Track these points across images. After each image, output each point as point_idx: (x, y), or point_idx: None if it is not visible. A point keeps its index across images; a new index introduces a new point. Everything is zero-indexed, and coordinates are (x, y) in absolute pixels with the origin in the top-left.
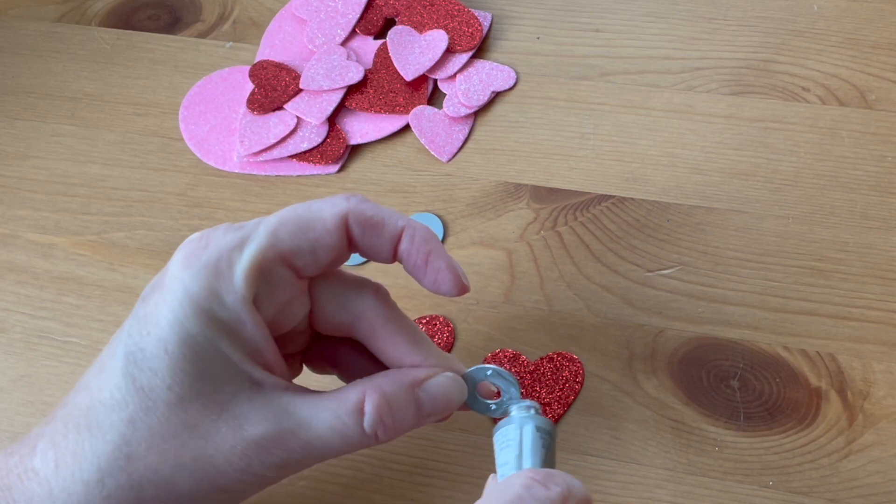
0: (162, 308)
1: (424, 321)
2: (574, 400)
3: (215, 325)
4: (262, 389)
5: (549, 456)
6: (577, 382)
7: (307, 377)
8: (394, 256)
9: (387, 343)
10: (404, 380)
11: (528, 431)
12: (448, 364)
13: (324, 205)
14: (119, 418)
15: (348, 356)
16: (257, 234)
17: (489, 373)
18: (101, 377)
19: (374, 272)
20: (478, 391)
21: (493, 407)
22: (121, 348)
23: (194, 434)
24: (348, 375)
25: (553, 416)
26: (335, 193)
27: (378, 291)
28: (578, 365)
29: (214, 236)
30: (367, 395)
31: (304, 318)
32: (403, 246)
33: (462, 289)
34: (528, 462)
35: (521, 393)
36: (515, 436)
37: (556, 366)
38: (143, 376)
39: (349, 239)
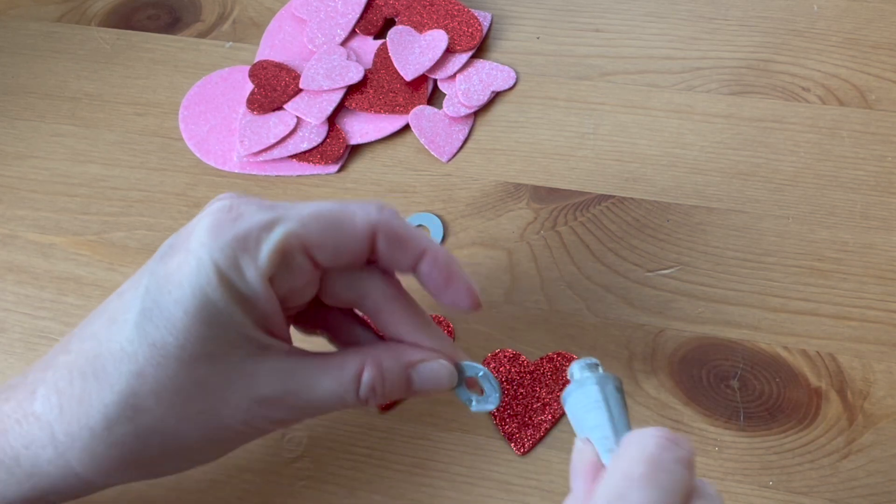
0: (185, 270)
1: None
2: None
3: (234, 295)
4: (269, 353)
5: (628, 413)
6: None
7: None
8: (411, 271)
9: (391, 321)
10: (401, 358)
11: (611, 392)
12: (446, 348)
13: (357, 209)
14: (128, 370)
15: (340, 321)
16: (289, 218)
17: (480, 374)
18: (112, 328)
19: None
20: (465, 383)
21: (473, 402)
22: (137, 302)
23: (203, 391)
24: (339, 340)
25: (553, 416)
26: (335, 193)
27: (385, 271)
28: None
29: (247, 211)
30: (366, 366)
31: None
32: (424, 268)
33: (478, 306)
34: (621, 422)
35: (502, 401)
36: (599, 397)
37: (555, 366)
38: (157, 333)
39: (372, 248)
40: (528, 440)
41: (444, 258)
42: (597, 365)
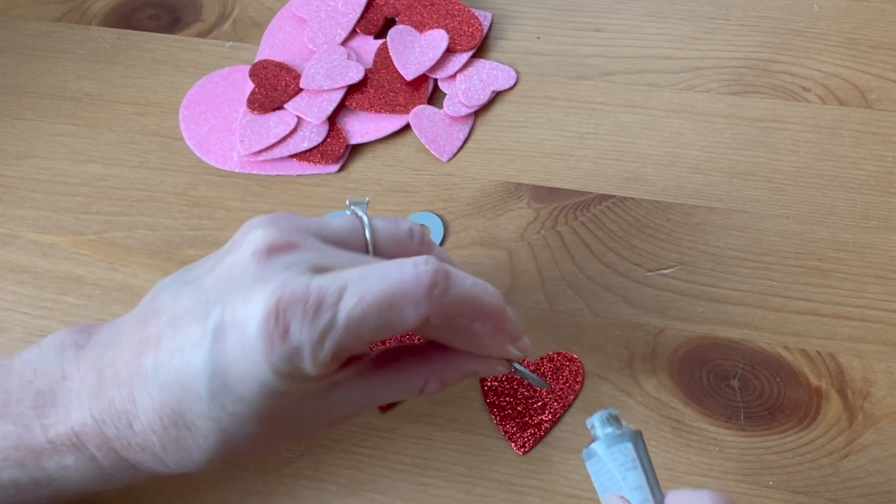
0: (245, 367)
1: None
2: (574, 399)
3: (298, 380)
4: (338, 387)
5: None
6: (578, 382)
7: None
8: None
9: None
10: (461, 369)
11: (642, 448)
12: (501, 352)
13: (407, 304)
14: (215, 428)
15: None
16: (337, 324)
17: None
18: (187, 392)
19: None
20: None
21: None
22: (204, 377)
23: (284, 428)
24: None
25: (553, 416)
26: (335, 193)
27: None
28: (578, 364)
29: (293, 319)
30: (429, 382)
31: None
32: (477, 326)
33: (526, 353)
34: (655, 480)
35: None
36: (635, 454)
37: (556, 366)
38: (233, 407)
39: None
40: (530, 440)
41: (495, 318)
42: (618, 417)
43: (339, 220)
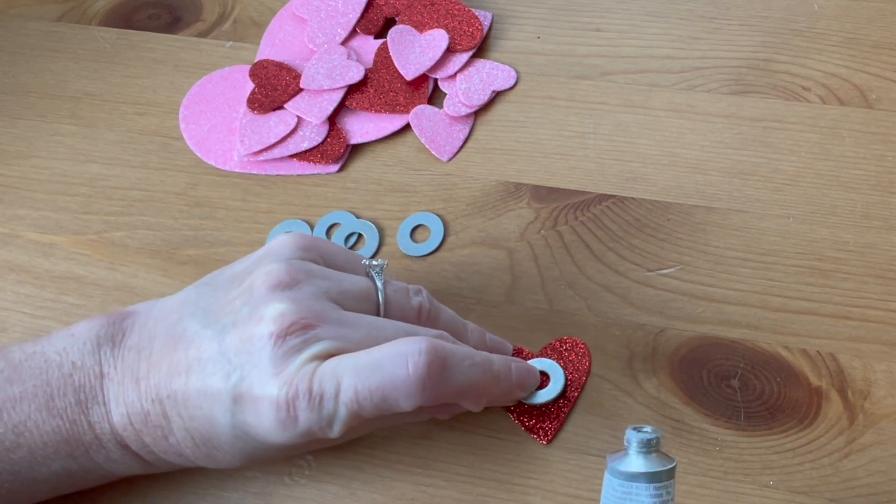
0: (265, 431)
1: None
2: (586, 380)
3: (318, 442)
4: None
5: None
6: (585, 363)
7: None
8: None
9: None
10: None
11: (674, 484)
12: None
13: (399, 396)
14: (241, 456)
15: None
16: (339, 414)
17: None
18: (214, 428)
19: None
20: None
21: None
22: (227, 429)
23: (307, 448)
24: None
25: (570, 400)
26: (336, 193)
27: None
28: (582, 346)
29: (300, 412)
30: (440, 414)
31: None
32: (471, 406)
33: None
34: None
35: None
36: (673, 489)
37: (559, 353)
38: (255, 449)
39: None
40: (551, 428)
41: (495, 394)
42: (660, 441)
43: (357, 281)
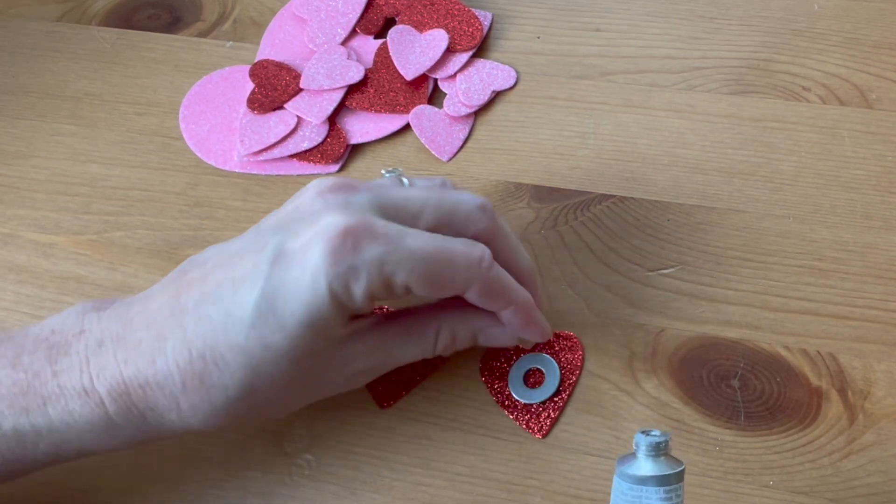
0: (301, 286)
1: None
2: (580, 374)
3: (341, 310)
4: (361, 336)
5: None
6: (578, 357)
7: None
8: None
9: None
10: (470, 324)
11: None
12: (518, 325)
13: (462, 260)
14: (245, 362)
15: None
16: (400, 259)
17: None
18: (228, 321)
19: None
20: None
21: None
22: (251, 302)
23: (308, 376)
24: None
25: (565, 394)
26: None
27: (485, 210)
28: (575, 340)
29: (363, 240)
30: (441, 333)
31: None
32: (506, 315)
33: (546, 338)
34: None
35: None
36: (683, 492)
37: (554, 350)
38: (272, 337)
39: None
40: (546, 421)
41: (525, 309)
42: (669, 444)
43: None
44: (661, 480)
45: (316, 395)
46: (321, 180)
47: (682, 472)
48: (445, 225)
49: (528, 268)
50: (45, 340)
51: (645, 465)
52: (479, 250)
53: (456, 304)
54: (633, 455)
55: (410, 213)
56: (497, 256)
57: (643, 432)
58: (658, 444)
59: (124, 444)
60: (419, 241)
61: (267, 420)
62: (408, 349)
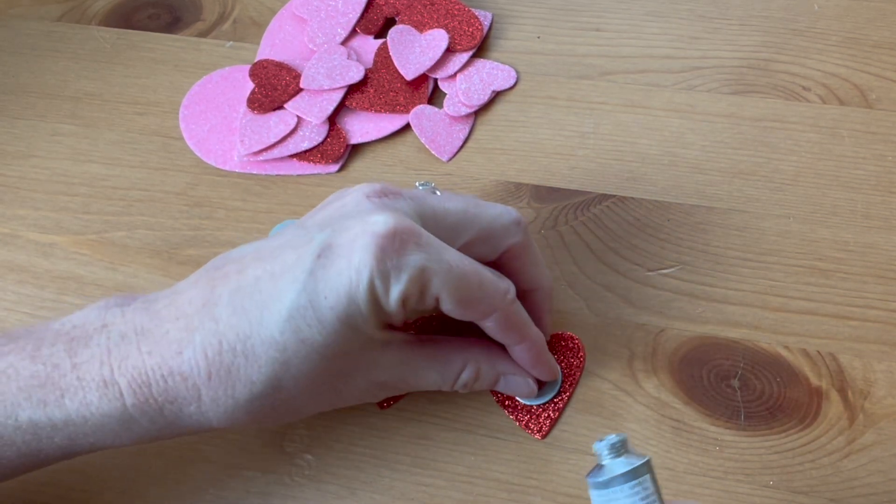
0: (344, 281)
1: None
2: (580, 375)
3: (377, 310)
4: (390, 347)
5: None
6: (580, 357)
7: None
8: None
9: (523, 271)
10: (496, 366)
11: (654, 478)
12: (540, 372)
13: (493, 289)
14: (276, 357)
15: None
16: (440, 268)
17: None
18: (265, 313)
19: None
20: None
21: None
22: (291, 295)
23: (334, 378)
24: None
25: (564, 395)
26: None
27: (519, 224)
28: (576, 341)
29: (408, 244)
30: (466, 367)
31: None
32: (517, 351)
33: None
34: None
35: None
36: (653, 488)
37: (554, 349)
38: (308, 331)
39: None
40: (546, 422)
41: (538, 347)
42: (626, 442)
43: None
44: (626, 477)
45: (335, 401)
46: (368, 184)
47: (647, 463)
48: (484, 238)
49: (548, 287)
50: (66, 334)
51: (609, 469)
52: (506, 283)
53: (485, 343)
54: (598, 466)
55: (449, 225)
56: (523, 270)
57: (599, 440)
58: (613, 444)
59: (140, 440)
60: (456, 257)
61: (280, 424)
62: (430, 374)
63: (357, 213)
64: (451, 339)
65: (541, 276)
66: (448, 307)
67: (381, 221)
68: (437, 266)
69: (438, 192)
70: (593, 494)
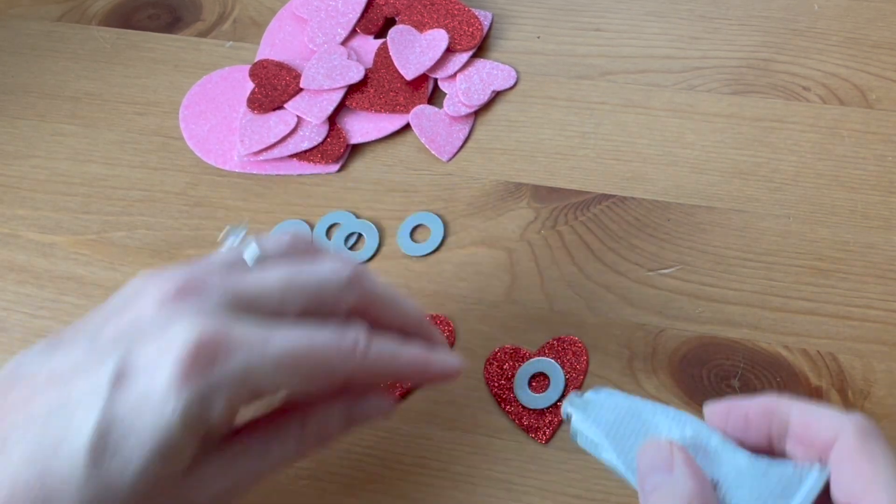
0: (148, 412)
1: None
2: (584, 379)
3: (196, 433)
4: (213, 453)
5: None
6: (583, 361)
7: None
8: None
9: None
10: (336, 408)
11: (603, 421)
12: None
13: (333, 358)
14: (80, 497)
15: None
16: (263, 366)
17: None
18: (59, 451)
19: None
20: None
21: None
22: (87, 430)
23: (159, 500)
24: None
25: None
26: (336, 192)
27: (351, 283)
28: (580, 345)
29: (218, 357)
30: (307, 426)
31: None
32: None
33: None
34: (628, 447)
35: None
36: (625, 394)
37: (557, 351)
38: (111, 477)
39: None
40: (548, 427)
41: (420, 366)
42: (580, 395)
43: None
44: (604, 395)
45: None
46: (159, 281)
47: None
48: (314, 309)
49: (416, 318)
50: None
51: (591, 399)
52: (352, 338)
53: (318, 399)
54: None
55: (271, 306)
56: (379, 320)
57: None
58: (576, 396)
59: None
60: (286, 341)
61: None
62: (271, 456)
63: (153, 326)
64: (276, 412)
65: (402, 316)
66: (297, 390)
67: (180, 337)
68: (261, 362)
69: (255, 244)
70: (586, 446)
